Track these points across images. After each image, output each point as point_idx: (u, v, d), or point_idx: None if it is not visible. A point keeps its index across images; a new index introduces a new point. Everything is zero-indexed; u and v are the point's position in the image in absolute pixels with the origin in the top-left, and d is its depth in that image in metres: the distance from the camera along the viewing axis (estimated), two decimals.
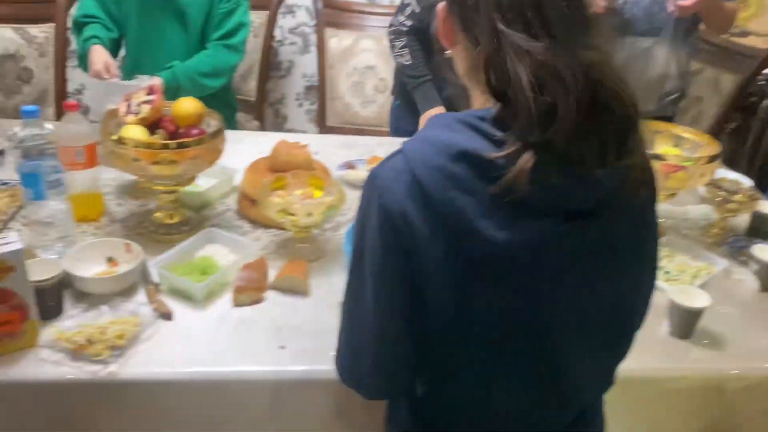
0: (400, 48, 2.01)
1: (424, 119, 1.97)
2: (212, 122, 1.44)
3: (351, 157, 1.89)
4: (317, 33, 2.77)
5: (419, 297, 0.80)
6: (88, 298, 1.21)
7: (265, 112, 3.05)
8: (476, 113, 0.78)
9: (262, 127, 2.89)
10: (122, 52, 2.23)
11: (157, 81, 1.90)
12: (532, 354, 0.83)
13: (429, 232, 0.76)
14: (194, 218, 1.50)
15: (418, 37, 2.00)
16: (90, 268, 1.27)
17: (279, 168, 1.55)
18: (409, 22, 1.99)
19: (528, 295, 0.79)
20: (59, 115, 2.53)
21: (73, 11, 2.16)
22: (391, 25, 2.05)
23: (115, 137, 1.29)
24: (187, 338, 1.15)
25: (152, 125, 1.39)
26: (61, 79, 2.50)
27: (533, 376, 0.85)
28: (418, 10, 1.97)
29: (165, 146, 1.30)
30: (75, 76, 2.76)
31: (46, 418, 1.07)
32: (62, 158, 1.37)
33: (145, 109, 1.36)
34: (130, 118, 1.37)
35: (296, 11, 3.13)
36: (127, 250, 1.30)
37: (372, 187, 0.80)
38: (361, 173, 1.77)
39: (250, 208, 1.53)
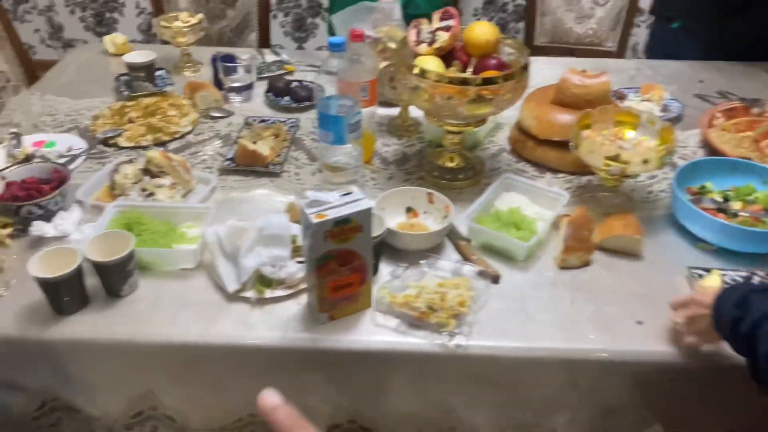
0: None
1: None
2: (507, 49, 1.24)
3: None
4: None
5: None
6: (395, 253, 1.10)
7: None
8: None
9: None
10: None
11: None
12: None
13: None
14: (474, 161, 1.34)
15: None
16: (390, 219, 1.15)
17: (568, 102, 1.34)
18: None
19: None
20: (261, 42, 2.43)
21: None
22: None
23: (416, 71, 1.12)
24: (520, 304, 1.02)
25: (446, 56, 1.21)
26: (264, 1, 2.38)
27: None
28: None
29: (463, 81, 1.12)
30: None
31: (374, 384, 0.99)
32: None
33: (443, 37, 1.18)
34: (423, 47, 1.19)
35: None
36: (429, 201, 1.16)
37: None
38: (643, 104, 1.52)
39: (534, 150, 1.35)
